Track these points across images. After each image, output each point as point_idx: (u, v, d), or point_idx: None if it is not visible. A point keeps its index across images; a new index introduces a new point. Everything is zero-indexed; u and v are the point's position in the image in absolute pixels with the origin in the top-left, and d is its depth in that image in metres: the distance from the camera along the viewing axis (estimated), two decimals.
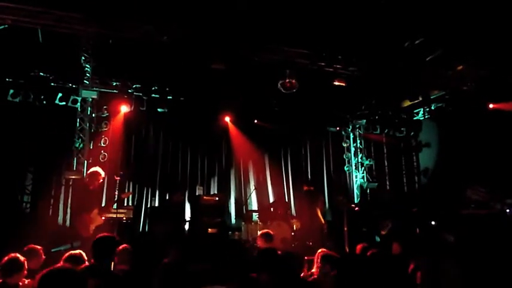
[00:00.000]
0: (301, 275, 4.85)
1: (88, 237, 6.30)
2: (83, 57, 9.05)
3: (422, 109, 12.47)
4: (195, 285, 4.23)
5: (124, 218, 8.79)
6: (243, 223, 10.39)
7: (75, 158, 9.40)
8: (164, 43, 8.13)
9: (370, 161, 12.81)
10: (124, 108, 10.00)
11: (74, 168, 9.32)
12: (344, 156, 12.93)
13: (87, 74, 9.33)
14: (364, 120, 12.51)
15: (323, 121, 12.54)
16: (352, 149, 12.99)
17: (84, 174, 8.79)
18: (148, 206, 10.41)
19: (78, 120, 9.59)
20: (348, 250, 8.22)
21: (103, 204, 7.95)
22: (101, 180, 7.27)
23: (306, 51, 9.04)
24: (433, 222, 9.22)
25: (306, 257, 5.68)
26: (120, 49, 8.48)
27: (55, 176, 9.52)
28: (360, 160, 12.85)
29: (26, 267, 4.17)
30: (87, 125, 9.65)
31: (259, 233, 6.80)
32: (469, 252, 5.46)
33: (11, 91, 9.02)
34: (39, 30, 7.78)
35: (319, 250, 4.99)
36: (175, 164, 11.05)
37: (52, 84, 9.42)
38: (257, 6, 7.18)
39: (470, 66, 9.68)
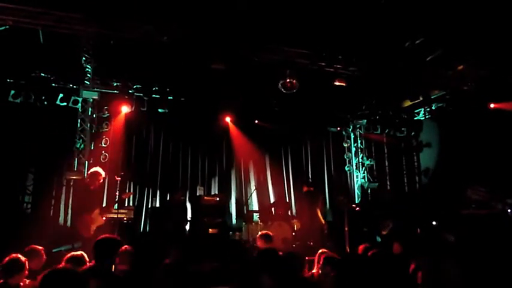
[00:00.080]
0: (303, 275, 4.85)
1: (89, 238, 6.31)
2: (84, 58, 9.06)
3: (422, 109, 12.46)
4: (197, 286, 4.24)
5: (125, 219, 8.80)
6: (243, 223, 10.41)
7: (76, 159, 9.41)
8: (164, 43, 8.14)
9: (370, 161, 12.81)
10: (125, 109, 10.01)
11: (75, 169, 9.34)
12: (345, 156, 12.93)
13: (88, 75, 9.34)
14: (365, 120, 12.51)
15: (324, 121, 12.54)
16: (353, 149, 12.99)
17: (85, 174, 8.80)
18: (149, 206, 10.41)
19: (79, 120, 9.60)
20: (348, 250, 8.22)
21: (104, 205, 7.96)
22: (102, 180, 7.27)
23: (306, 51, 9.04)
24: (434, 222, 9.22)
25: (306, 257, 5.68)
26: (120, 50, 8.48)
27: (56, 176, 9.54)
28: (360, 160, 12.85)
29: (27, 267, 4.17)
30: (88, 125, 9.66)
31: (258, 233, 6.79)
32: (470, 252, 5.46)
33: (12, 92, 9.03)
34: (40, 31, 7.79)
35: (320, 251, 4.99)
36: (176, 164, 11.06)
37: (53, 84, 9.43)
38: (257, 6, 7.18)
39: (471, 66, 9.67)
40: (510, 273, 4.24)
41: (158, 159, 10.91)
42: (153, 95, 10.21)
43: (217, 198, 10.07)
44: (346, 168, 12.88)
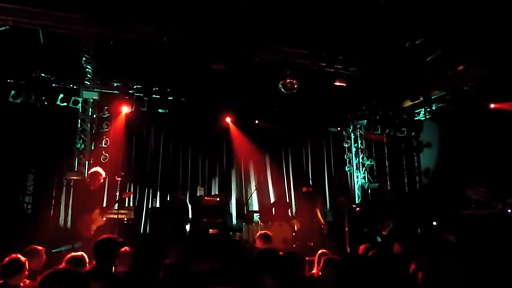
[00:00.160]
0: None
1: (89, 238, 6.31)
2: (84, 58, 9.06)
3: (423, 109, 12.47)
4: (197, 286, 4.23)
5: (125, 219, 8.79)
6: (244, 224, 10.41)
7: (76, 159, 9.40)
8: (164, 43, 8.15)
9: (371, 162, 12.80)
10: (125, 109, 10.01)
11: (75, 169, 9.33)
12: (345, 157, 12.92)
13: (88, 75, 9.34)
14: (365, 121, 12.50)
15: (324, 121, 12.54)
16: (353, 150, 12.98)
17: (85, 174, 8.80)
18: (150, 206, 10.41)
19: (79, 121, 9.59)
20: (349, 250, 8.22)
21: (104, 205, 7.95)
22: (102, 180, 7.28)
23: (306, 51, 9.05)
24: (434, 223, 9.22)
25: (307, 258, 5.68)
26: (120, 50, 8.49)
27: (56, 176, 9.54)
28: (361, 160, 12.85)
29: (27, 267, 4.17)
30: (88, 125, 9.66)
31: (257, 234, 6.80)
32: (471, 252, 5.45)
33: (12, 92, 9.03)
34: (40, 31, 7.79)
35: (320, 251, 4.99)
36: (176, 164, 11.06)
37: (53, 85, 9.42)
38: (257, 6, 7.18)
39: (471, 66, 9.68)
40: (510, 273, 4.23)
41: (158, 160, 10.91)
42: (153, 95, 10.22)
43: (218, 199, 10.06)
44: (347, 169, 12.87)
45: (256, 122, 11.52)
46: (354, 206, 10.85)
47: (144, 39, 8.06)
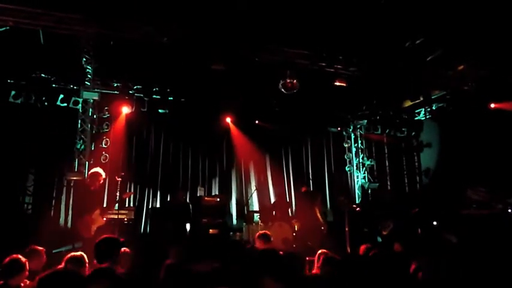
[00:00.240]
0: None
1: (89, 238, 6.31)
2: (84, 59, 9.07)
3: (423, 109, 12.47)
4: (197, 286, 4.23)
5: (125, 219, 8.79)
6: (244, 224, 10.42)
7: (76, 159, 9.40)
8: (164, 44, 8.15)
9: (371, 162, 12.80)
10: (125, 109, 10.01)
11: (76, 170, 9.33)
12: (345, 157, 12.92)
13: (89, 75, 9.34)
14: (365, 121, 12.49)
15: (324, 121, 12.54)
16: (353, 150, 12.98)
17: (86, 175, 8.80)
18: (150, 206, 10.41)
19: (79, 121, 9.59)
20: (349, 250, 8.21)
21: (104, 205, 7.95)
22: (102, 181, 7.27)
23: (306, 51, 9.06)
24: (434, 223, 9.21)
25: (307, 258, 5.68)
26: (120, 50, 8.49)
27: (56, 177, 9.55)
28: (361, 160, 12.84)
29: (28, 268, 4.17)
30: (89, 126, 9.66)
31: (256, 234, 6.81)
32: (471, 252, 5.45)
33: (13, 92, 9.04)
34: (40, 31, 7.80)
35: (320, 251, 4.99)
36: (176, 164, 11.06)
37: (53, 85, 9.42)
38: (257, 7, 7.18)
39: (471, 66, 9.68)
40: (510, 273, 4.23)
41: (159, 160, 10.92)
42: (154, 96, 10.22)
43: (218, 199, 10.07)
44: (347, 169, 12.87)
45: (257, 122, 11.53)
46: (354, 206, 10.85)
47: (144, 40, 8.07)
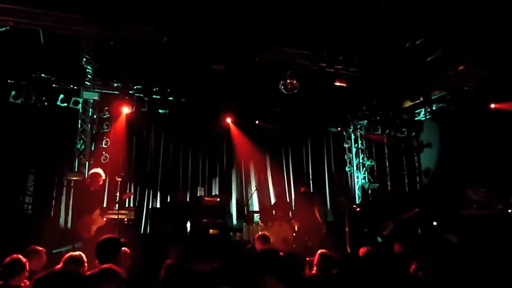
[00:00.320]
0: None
1: (89, 239, 6.31)
2: (84, 59, 9.08)
3: (423, 109, 12.48)
4: (198, 287, 4.23)
5: (125, 219, 8.79)
6: (244, 224, 10.42)
7: (76, 159, 9.40)
8: (164, 44, 8.15)
9: (371, 162, 12.80)
10: (125, 110, 10.01)
11: (76, 170, 9.33)
12: (345, 157, 12.92)
13: (89, 76, 9.35)
14: (365, 121, 12.48)
15: (324, 122, 12.54)
16: (354, 150, 12.97)
17: (86, 175, 8.80)
18: (150, 206, 10.41)
19: (79, 121, 9.59)
20: (349, 251, 8.21)
21: (104, 205, 7.94)
22: (102, 181, 7.27)
23: (306, 52, 9.06)
24: (434, 223, 9.21)
25: (307, 258, 5.68)
26: (121, 50, 8.50)
27: (56, 177, 9.54)
28: (361, 161, 12.84)
29: (28, 268, 4.17)
30: (89, 126, 9.66)
31: (256, 235, 6.82)
32: (471, 253, 5.45)
33: (13, 93, 9.04)
34: (40, 31, 7.80)
35: (319, 251, 4.99)
36: (176, 165, 11.06)
37: (53, 85, 9.43)
38: (257, 6, 7.18)
39: (471, 67, 9.68)
40: (510, 273, 4.23)
41: (159, 160, 10.91)
42: (154, 96, 10.22)
43: (218, 199, 10.06)
44: (347, 169, 12.87)
45: (257, 122, 11.52)
46: (354, 206, 10.83)
47: (144, 40, 8.07)
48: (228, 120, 11.35)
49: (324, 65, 9.31)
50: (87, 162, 9.41)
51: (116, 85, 9.97)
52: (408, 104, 12.14)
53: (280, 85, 9.09)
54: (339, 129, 12.83)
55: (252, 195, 11.35)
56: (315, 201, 9.79)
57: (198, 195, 10.66)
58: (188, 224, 9.54)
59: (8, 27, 7.48)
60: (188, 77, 9.78)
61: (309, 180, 12.11)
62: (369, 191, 12.62)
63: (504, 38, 8.04)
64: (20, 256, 4.17)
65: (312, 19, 7.61)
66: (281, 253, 4.37)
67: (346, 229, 8.66)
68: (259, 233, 6.96)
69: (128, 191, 9.83)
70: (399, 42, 8.54)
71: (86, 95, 9.41)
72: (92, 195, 7.01)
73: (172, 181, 10.84)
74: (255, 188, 11.35)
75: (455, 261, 4.43)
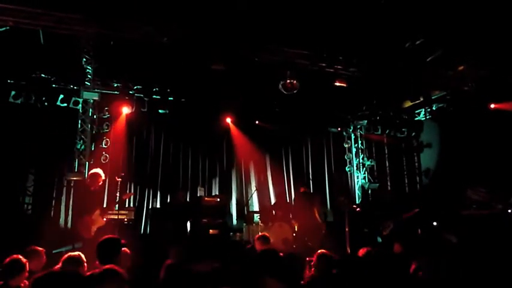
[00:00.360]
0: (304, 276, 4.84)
1: (89, 239, 6.31)
2: (84, 59, 9.07)
3: (423, 109, 12.48)
4: (198, 287, 4.23)
5: (125, 219, 8.79)
6: (244, 224, 10.41)
7: (76, 160, 9.40)
8: (164, 44, 8.15)
9: (371, 162, 12.80)
10: (125, 110, 10.01)
11: (76, 170, 9.33)
12: (345, 157, 12.92)
13: (89, 76, 9.35)
14: (365, 121, 12.47)
15: (324, 122, 12.54)
16: (354, 150, 12.97)
17: (86, 175, 8.80)
18: (150, 207, 10.41)
19: (79, 121, 9.59)
20: (349, 251, 8.21)
21: (104, 205, 7.94)
22: (101, 181, 7.27)
23: (306, 52, 9.06)
24: (434, 223, 9.22)
25: (307, 258, 5.68)
26: (121, 50, 8.50)
27: (56, 177, 9.54)
28: (361, 161, 12.84)
29: (28, 268, 4.17)
30: (89, 126, 9.66)
31: (256, 236, 6.82)
32: (471, 253, 5.45)
33: (13, 93, 9.04)
34: (40, 31, 7.80)
35: (319, 251, 4.99)
36: (176, 165, 11.06)
37: (53, 85, 9.43)
38: (257, 7, 7.18)
39: (471, 67, 9.68)
40: (510, 273, 4.23)
41: (159, 160, 10.91)
42: (154, 96, 10.22)
43: (218, 199, 10.06)
44: (347, 169, 12.87)
45: (257, 122, 11.52)
46: (354, 206, 10.83)
47: (144, 40, 8.07)
48: (228, 120, 11.34)
49: (323, 65, 9.31)
50: (87, 163, 9.41)
51: (115, 85, 9.97)
52: (408, 104, 12.14)
53: (280, 85, 9.09)
54: (339, 129, 12.83)
55: (252, 196, 11.34)
56: (315, 201, 9.78)
57: (198, 195, 10.66)
58: (188, 224, 9.55)
59: (8, 27, 7.48)
60: (188, 77, 9.78)
61: (309, 181, 12.10)
62: (369, 191, 12.62)
63: (504, 38, 8.04)
64: (20, 256, 4.17)
65: (311, 19, 7.61)
66: (281, 253, 4.38)
67: (346, 229, 8.65)
68: (259, 233, 6.96)
69: (128, 191, 9.83)
70: (399, 42, 8.54)
71: (86, 95, 9.42)
72: (91, 195, 7.01)
73: (172, 181, 10.83)
74: (255, 188, 11.35)
75: (455, 261, 4.42)
